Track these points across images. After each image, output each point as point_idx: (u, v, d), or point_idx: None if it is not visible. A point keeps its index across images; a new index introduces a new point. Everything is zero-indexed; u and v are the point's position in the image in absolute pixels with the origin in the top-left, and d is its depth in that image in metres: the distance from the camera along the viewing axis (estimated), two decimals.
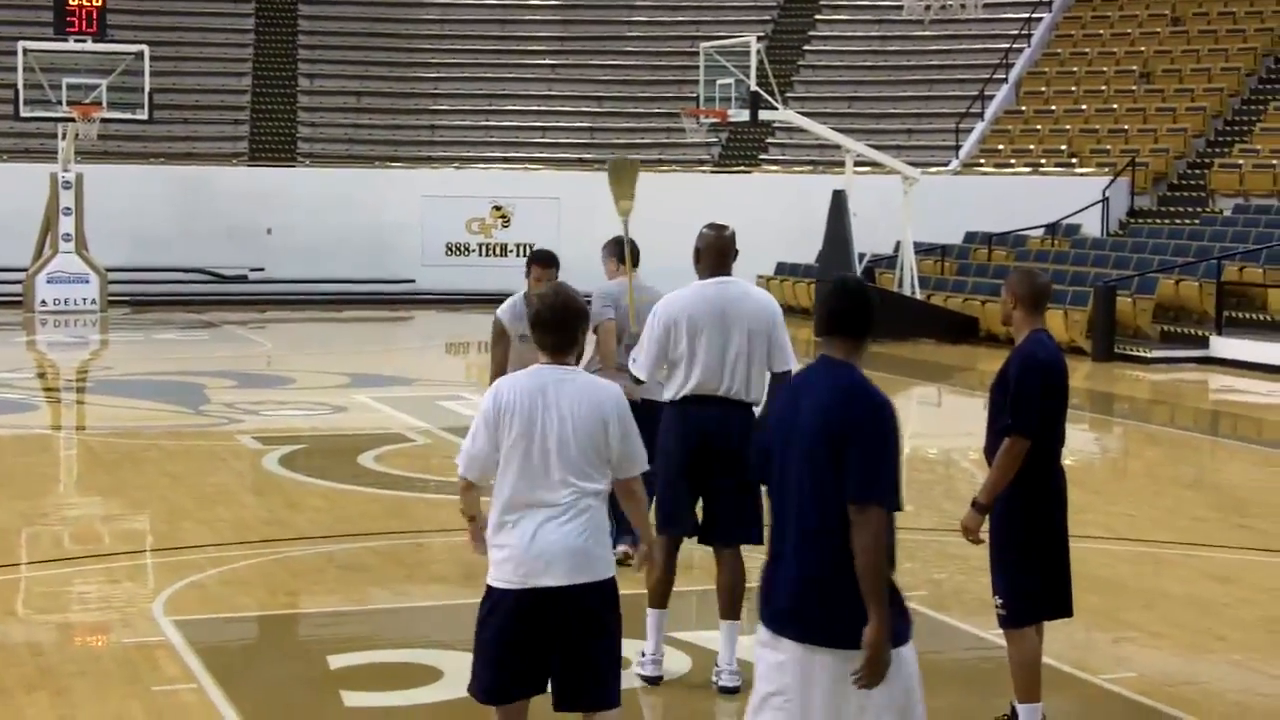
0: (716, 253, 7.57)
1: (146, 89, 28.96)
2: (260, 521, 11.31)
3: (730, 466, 7.38)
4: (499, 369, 9.00)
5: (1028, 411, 6.36)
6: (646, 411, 7.64)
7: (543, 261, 9.36)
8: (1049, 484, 6.49)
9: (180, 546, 10.47)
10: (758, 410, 7.61)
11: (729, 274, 7.58)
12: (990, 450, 6.54)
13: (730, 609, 7.49)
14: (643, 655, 7.54)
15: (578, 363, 5.71)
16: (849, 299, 4.97)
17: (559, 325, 5.50)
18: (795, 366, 7.72)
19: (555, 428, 5.45)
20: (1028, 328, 6.57)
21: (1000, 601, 6.49)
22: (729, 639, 7.47)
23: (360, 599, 9.34)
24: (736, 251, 7.66)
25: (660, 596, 7.53)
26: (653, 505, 7.27)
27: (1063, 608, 6.59)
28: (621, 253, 9.58)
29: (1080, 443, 16.02)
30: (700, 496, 7.56)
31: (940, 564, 10.10)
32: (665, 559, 7.47)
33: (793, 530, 4.78)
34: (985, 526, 6.58)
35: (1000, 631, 6.71)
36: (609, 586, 5.54)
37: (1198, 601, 9.43)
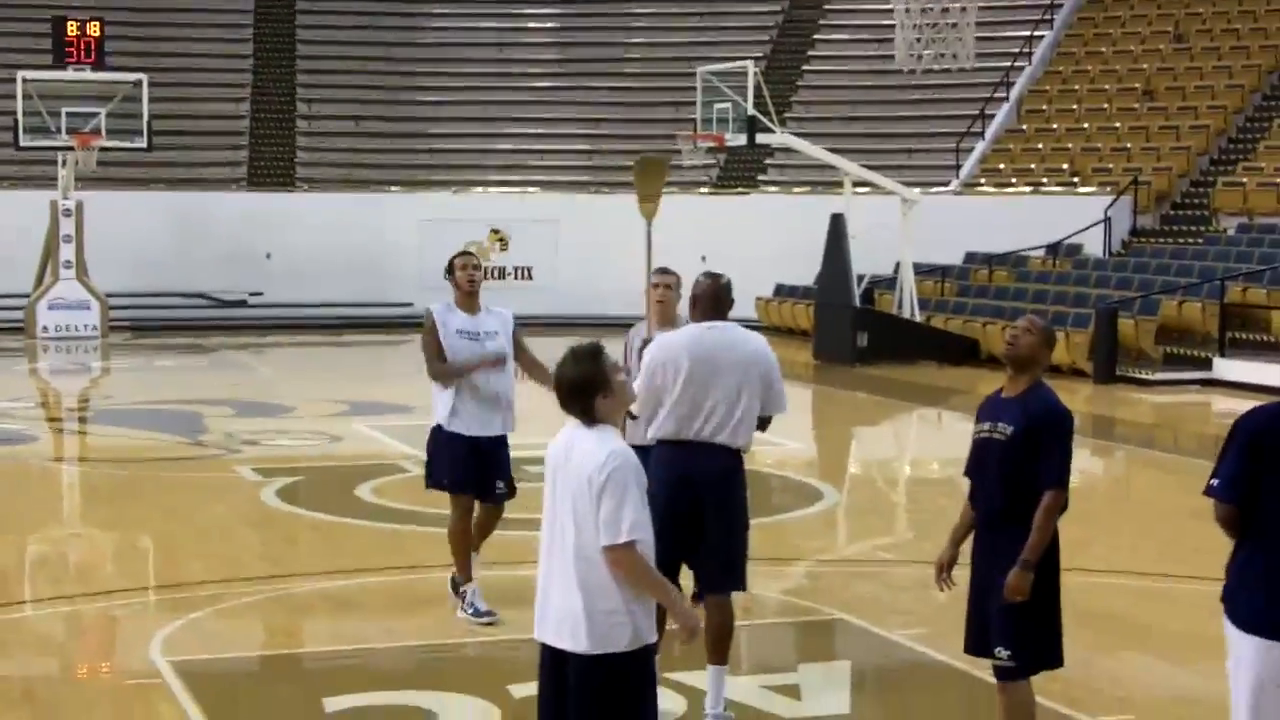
0: (711, 299, 7.59)
1: (145, 117, 28.97)
2: (258, 557, 11.28)
3: (717, 514, 7.38)
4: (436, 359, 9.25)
5: (1067, 464, 6.34)
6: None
7: (463, 253, 9.59)
8: (1055, 533, 6.46)
9: (179, 584, 10.44)
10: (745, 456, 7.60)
11: (724, 320, 7.59)
12: (986, 499, 6.46)
13: (717, 654, 7.41)
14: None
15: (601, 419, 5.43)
16: None
17: (566, 403, 5.43)
18: (787, 411, 7.71)
19: (565, 485, 5.39)
20: (1038, 376, 6.50)
21: (1008, 654, 6.38)
22: (716, 683, 7.41)
23: (356, 638, 9.30)
24: (732, 300, 7.65)
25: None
26: None
27: (1059, 658, 6.53)
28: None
29: (1081, 469, 15.97)
30: (684, 545, 7.39)
31: (942, 600, 10.02)
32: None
33: None
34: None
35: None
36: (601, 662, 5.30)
37: (1201, 638, 9.32)
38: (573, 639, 5.30)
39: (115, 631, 9.62)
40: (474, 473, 9.27)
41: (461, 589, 9.44)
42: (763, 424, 7.65)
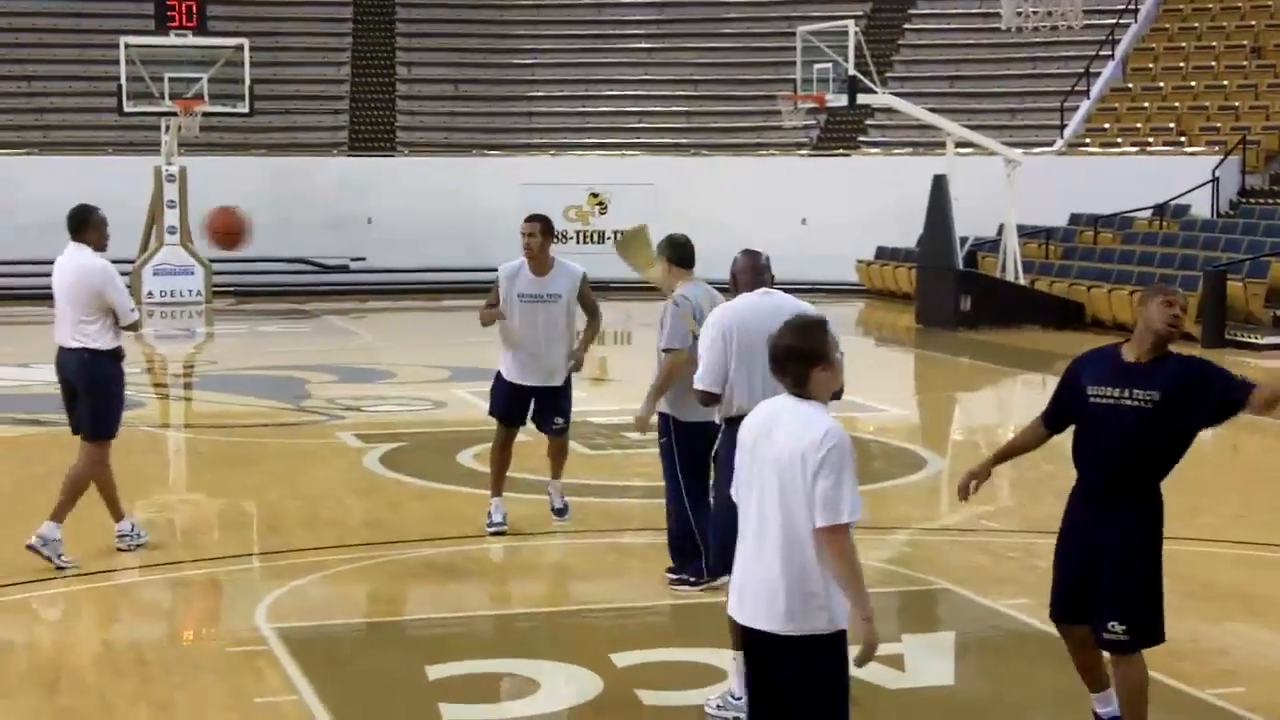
0: (753, 271, 7.69)
1: (247, 81, 29.22)
2: (361, 524, 11.37)
3: None
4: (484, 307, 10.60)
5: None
6: (691, 434, 8.74)
7: (527, 219, 10.42)
8: (1160, 504, 6.37)
9: (283, 550, 10.54)
10: None
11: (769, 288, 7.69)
12: (1104, 464, 6.35)
13: None
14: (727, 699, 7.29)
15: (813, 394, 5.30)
16: None
17: (782, 369, 5.27)
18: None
19: (770, 461, 5.22)
20: None
21: (1123, 628, 6.29)
22: None
23: (458, 605, 9.35)
24: (772, 276, 7.69)
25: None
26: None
27: (1163, 631, 6.44)
28: (680, 256, 9.15)
29: None
30: None
31: (1044, 572, 9.89)
32: None
33: None
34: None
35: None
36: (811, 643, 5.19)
37: None
38: (767, 619, 5.18)
39: (221, 598, 9.75)
40: (513, 411, 10.63)
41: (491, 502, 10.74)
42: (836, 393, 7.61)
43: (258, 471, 13.36)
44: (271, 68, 33.56)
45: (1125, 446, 6.26)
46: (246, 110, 29.54)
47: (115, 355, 9.94)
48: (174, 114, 28.80)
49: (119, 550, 10.25)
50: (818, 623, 5.13)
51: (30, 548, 9.79)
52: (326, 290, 31.23)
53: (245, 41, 29.40)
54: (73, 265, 9.89)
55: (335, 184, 32.56)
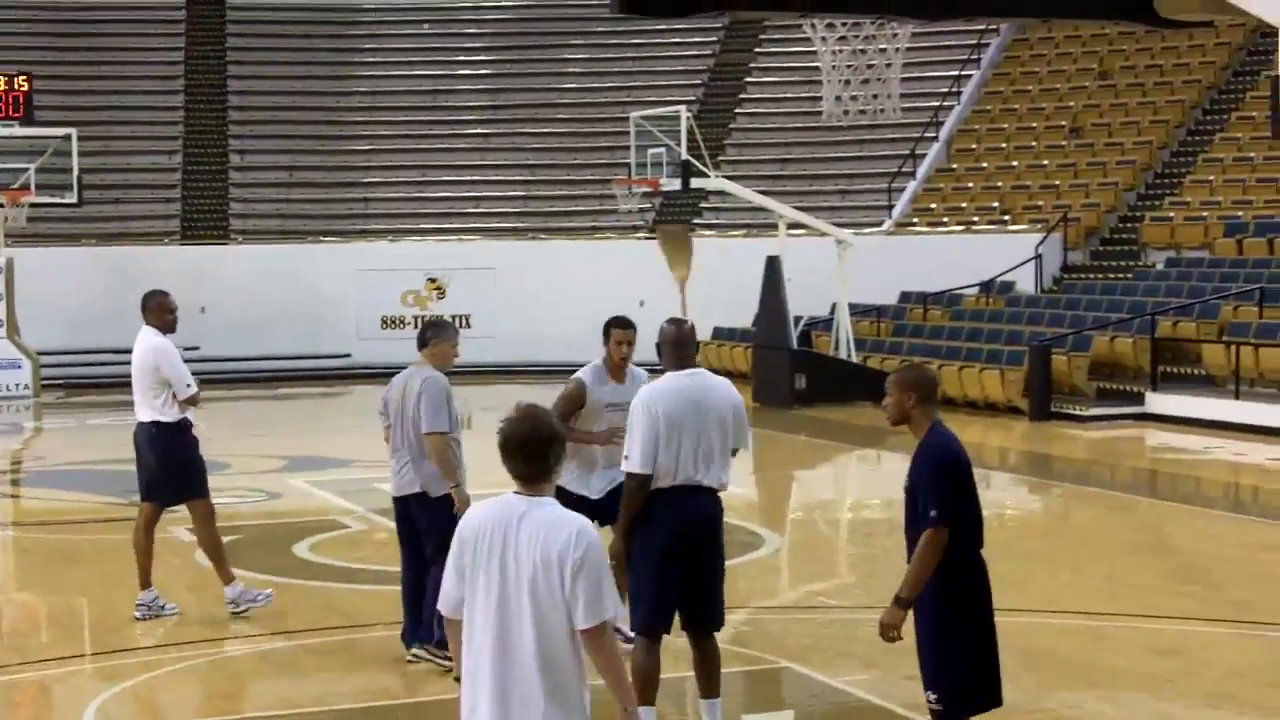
0: (677, 345, 7.79)
1: (75, 171, 28.80)
2: (195, 621, 11.14)
3: (710, 553, 7.66)
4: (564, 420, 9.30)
5: (946, 502, 6.39)
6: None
7: (621, 324, 9.66)
8: (973, 573, 6.49)
9: (114, 650, 10.30)
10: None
11: (693, 365, 7.79)
12: (911, 549, 6.53)
13: (711, 689, 7.69)
14: None
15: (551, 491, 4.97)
16: None
17: (529, 462, 4.88)
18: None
19: (512, 569, 4.79)
20: (929, 421, 6.54)
21: (935, 696, 6.45)
22: (712, 717, 7.66)
23: (296, 701, 9.20)
24: (697, 344, 7.87)
25: (650, 694, 7.53)
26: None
27: (996, 697, 6.57)
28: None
29: (1018, 506, 16.08)
30: (685, 587, 7.63)
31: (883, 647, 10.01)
32: (650, 656, 7.54)
33: None
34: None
35: None
36: None
37: (1140, 677, 9.40)
38: None
39: (49, 701, 9.50)
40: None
41: None
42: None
43: (88, 569, 13.06)
44: (101, 156, 33.11)
45: (908, 524, 6.53)
46: (75, 200, 29.08)
47: (181, 426, 10.91)
48: (0, 205, 28.25)
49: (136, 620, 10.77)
50: None
51: (233, 614, 10.78)
52: None
53: (73, 131, 28.98)
54: (137, 346, 10.97)
55: (167, 273, 31.86)
